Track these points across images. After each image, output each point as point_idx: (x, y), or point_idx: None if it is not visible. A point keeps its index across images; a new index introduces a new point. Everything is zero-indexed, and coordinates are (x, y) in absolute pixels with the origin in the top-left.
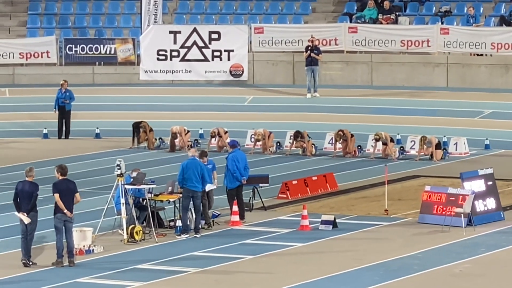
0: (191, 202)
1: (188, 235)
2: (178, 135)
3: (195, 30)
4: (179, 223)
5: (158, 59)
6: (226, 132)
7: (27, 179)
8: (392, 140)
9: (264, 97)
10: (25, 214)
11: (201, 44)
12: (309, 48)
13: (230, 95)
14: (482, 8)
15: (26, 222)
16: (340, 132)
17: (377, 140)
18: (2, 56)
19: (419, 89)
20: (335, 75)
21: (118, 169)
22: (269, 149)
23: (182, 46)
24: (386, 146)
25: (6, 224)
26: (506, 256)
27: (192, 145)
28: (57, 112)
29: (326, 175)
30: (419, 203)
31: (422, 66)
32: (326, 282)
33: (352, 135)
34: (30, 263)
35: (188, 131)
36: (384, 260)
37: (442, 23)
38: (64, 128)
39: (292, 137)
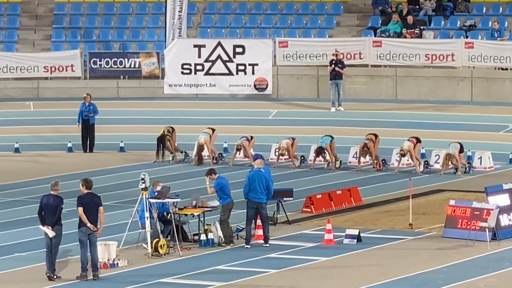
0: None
1: (249, 247)
2: (204, 145)
3: (219, 44)
4: (203, 237)
5: (182, 73)
6: (252, 137)
7: (52, 192)
8: (419, 141)
9: (288, 111)
10: (49, 227)
11: (225, 58)
12: (334, 62)
13: (254, 109)
14: (506, 22)
15: (50, 236)
16: (365, 148)
17: (402, 155)
18: (27, 69)
19: (443, 103)
20: (360, 89)
21: (143, 182)
22: (293, 162)
23: (206, 60)
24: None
25: (31, 237)
26: None
27: (217, 158)
28: (80, 125)
29: (350, 189)
30: (443, 217)
31: (446, 80)
32: None
33: (376, 136)
34: (55, 276)
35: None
36: (408, 274)
37: (466, 37)
38: (88, 142)
39: (315, 152)
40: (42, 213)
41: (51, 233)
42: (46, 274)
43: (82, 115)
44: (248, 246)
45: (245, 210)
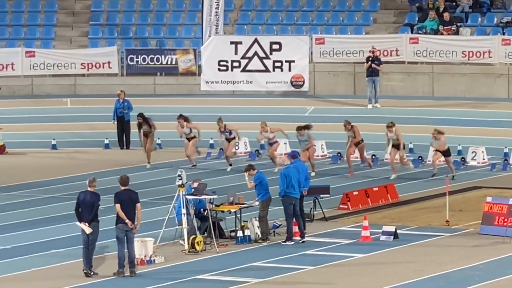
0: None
1: (293, 243)
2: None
3: (256, 40)
4: (240, 233)
5: (219, 69)
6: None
7: (89, 189)
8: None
9: (325, 108)
10: (86, 224)
11: (262, 54)
12: (370, 58)
13: (291, 105)
14: None
15: (87, 232)
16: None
17: (389, 127)
18: (64, 66)
19: (480, 100)
20: (396, 85)
21: (179, 179)
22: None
23: (243, 57)
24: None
25: (68, 234)
26: None
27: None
28: (115, 122)
29: (387, 186)
30: (480, 214)
31: (483, 77)
32: None
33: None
34: (92, 273)
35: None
36: (445, 271)
37: (503, 34)
38: (124, 138)
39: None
40: (79, 210)
41: (88, 230)
42: (83, 270)
43: (117, 112)
44: (293, 243)
45: (279, 207)
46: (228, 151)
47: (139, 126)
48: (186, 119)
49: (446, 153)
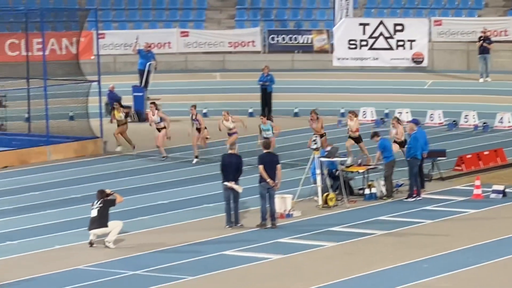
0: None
1: (414, 199)
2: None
3: (381, 22)
4: (367, 191)
5: (349, 47)
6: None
7: (230, 151)
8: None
9: (442, 82)
10: (233, 182)
11: (386, 34)
12: (482, 38)
13: (412, 79)
14: None
15: (240, 191)
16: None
17: (350, 113)
18: (214, 45)
19: None
20: (505, 62)
21: (315, 144)
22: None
23: (370, 37)
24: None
25: (217, 191)
26: None
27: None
28: (259, 84)
29: (496, 150)
30: None
31: None
32: (497, 244)
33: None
34: (239, 224)
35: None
36: None
37: None
38: (266, 108)
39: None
40: (224, 170)
41: (239, 188)
42: (226, 224)
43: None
44: (410, 200)
45: (400, 169)
46: (194, 141)
47: (112, 110)
48: (157, 106)
49: (404, 143)
